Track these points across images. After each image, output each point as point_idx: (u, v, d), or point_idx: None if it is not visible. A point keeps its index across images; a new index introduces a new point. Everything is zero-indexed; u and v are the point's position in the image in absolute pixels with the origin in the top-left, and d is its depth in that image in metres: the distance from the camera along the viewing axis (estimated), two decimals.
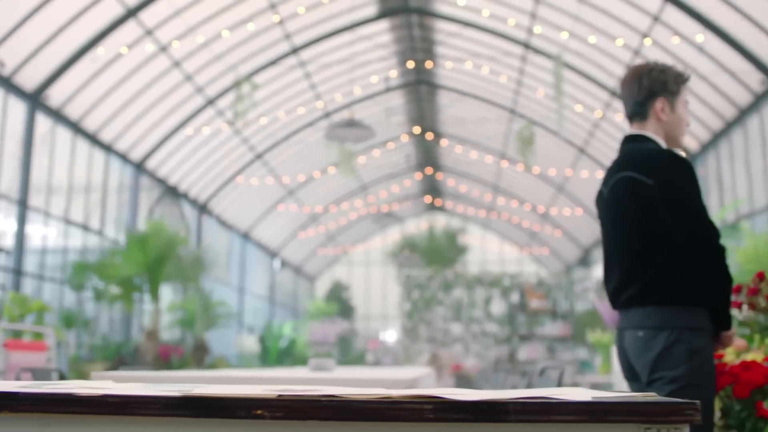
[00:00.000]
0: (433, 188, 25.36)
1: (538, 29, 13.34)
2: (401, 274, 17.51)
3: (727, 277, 2.73)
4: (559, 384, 3.62)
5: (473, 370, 15.08)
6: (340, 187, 21.83)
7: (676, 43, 11.51)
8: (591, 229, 21.25)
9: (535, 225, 24.10)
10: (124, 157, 13.65)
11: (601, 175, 13.69)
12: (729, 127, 12.34)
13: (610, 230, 2.97)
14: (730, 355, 3.42)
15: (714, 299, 2.75)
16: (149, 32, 11.58)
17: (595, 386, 7.91)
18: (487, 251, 27.07)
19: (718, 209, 12.33)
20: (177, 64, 12.63)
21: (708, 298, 2.73)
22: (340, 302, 26.68)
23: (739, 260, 4.69)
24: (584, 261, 22.68)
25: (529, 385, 4.65)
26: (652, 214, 2.75)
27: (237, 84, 12.14)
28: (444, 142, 20.41)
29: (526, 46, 14.08)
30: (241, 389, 1.72)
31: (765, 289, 3.52)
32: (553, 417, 1.43)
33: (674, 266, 2.72)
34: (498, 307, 16.99)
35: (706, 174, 13.59)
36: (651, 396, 1.51)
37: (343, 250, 28.15)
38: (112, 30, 11.05)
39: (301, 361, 19.29)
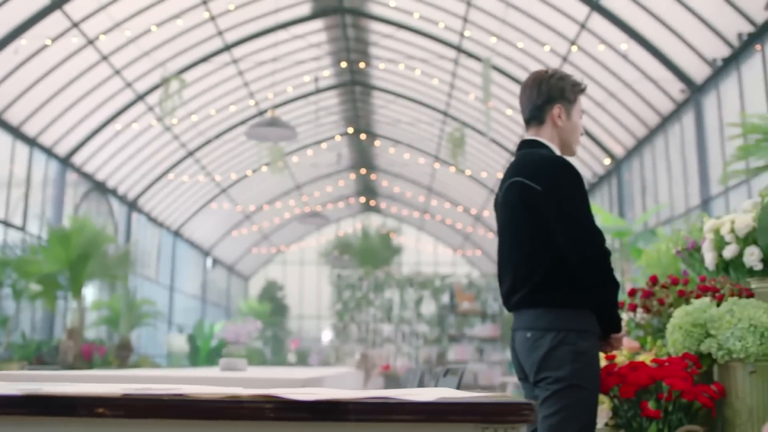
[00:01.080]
0: (367, 189, 25.40)
1: (469, 33, 13.46)
2: (333, 274, 17.50)
3: (611, 281, 2.81)
4: (458, 386, 3.66)
5: (402, 370, 15.15)
6: (274, 186, 21.71)
7: (601, 51, 11.73)
8: None
9: (469, 227, 24.32)
10: (49, 152, 13.34)
11: None
12: (652, 133, 12.63)
13: (503, 234, 3.02)
14: (622, 357, 3.51)
15: (600, 303, 2.82)
16: (75, 25, 11.35)
17: (520, 387, 8.02)
18: (422, 252, 27.22)
19: (642, 214, 12.62)
20: (105, 58, 12.41)
21: (594, 302, 2.80)
22: (273, 302, 26.54)
23: (643, 264, 4.81)
24: None
25: (435, 386, 4.69)
26: (541, 219, 2.82)
27: (165, 81, 11.96)
28: (378, 143, 20.47)
29: (459, 49, 14.20)
30: (91, 388, 1.70)
31: (658, 293, 3.62)
32: (392, 417, 1.45)
33: (562, 270, 2.78)
34: (428, 308, 17.10)
35: (630, 179, 13.89)
36: (492, 396, 1.54)
37: (277, 250, 28.01)
38: (36, 21, 10.79)
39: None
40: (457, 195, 22.40)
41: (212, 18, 12.99)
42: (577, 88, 3.05)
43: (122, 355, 11.72)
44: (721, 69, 10.11)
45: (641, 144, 13.10)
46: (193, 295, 22.83)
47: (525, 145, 3.06)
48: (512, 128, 16.10)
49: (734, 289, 3.48)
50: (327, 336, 23.46)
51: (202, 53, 13.82)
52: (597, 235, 2.79)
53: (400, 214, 26.03)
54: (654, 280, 3.64)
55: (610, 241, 11.68)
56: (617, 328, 2.93)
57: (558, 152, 3.01)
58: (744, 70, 9.64)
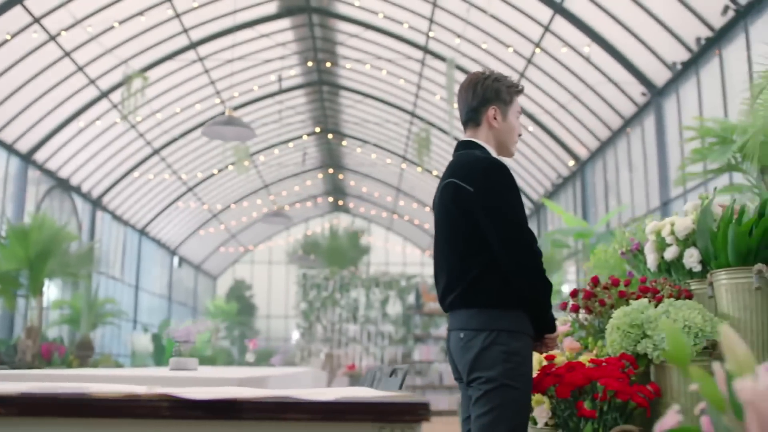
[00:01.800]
0: (336, 188, 25.38)
1: (434, 33, 13.50)
2: (299, 274, 17.46)
3: (543, 282, 2.83)
4: (401, 386, 3.67)
5: (367, 370, 15.14)
6: (242, 185, 21.63)
7: (564, 53, 11.82)
8: None
9: None
10: (10, 148, 13.18)
11: None
12: (615, 136, 12.74)
13: (439, 234, 3.03)
14: (563, 357, 3.53)
15: (532, 303, 2.84)
16: (37, 20, 11.23)
17: None
18: (391, 252, 27.25)
19: (605, 216, 12.72)
20: (68, 54, 12.28)
21: (526, 302, 2.82)
22: (241, 301, 26.45)
23: (590, 266, 4.85)
24: None
25: (377, 386, 4.69)
26: (473, 220, 2.83)
27: (127, 79, 11.86)
28: (345, 143, 20.46)
29: (425, 50, 14.24)
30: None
31: (599, 294, 3.65)
32: (288, 416, 1.45)
33: (494, 271, 2.80)
34: (394, 308, 17.10)
35: (594, 181, 14.00)
36: (389, 396, 1.55)
37: (245, 249, 27.91)
38: None
39: (199, 360, 19.03)
40: (425, 195, 22.45)
41: (177, 15, 12.92)
42: (513, 90, 3.07)
43: (82, 355, 11.61)
44: (681, 73, 10.24)
45: (604, 146, 13.22)
46: (159, 295, 22.67)
47: (461, 146, 3.08)
48: None
49: (673, 291, 3.52)
50: (295, 336, 23.44)
51: (167, 51, 13.73)
52: (528, 236, 2.81)
53: (369, 213, 26.04)
54: (595, 281, 3.67)
55: (572, 243, 11.78)
56: (550, 329, 2.95)
57: (494, 153, 3.03)
58: (702, 74, 9.76)
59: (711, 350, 3.22)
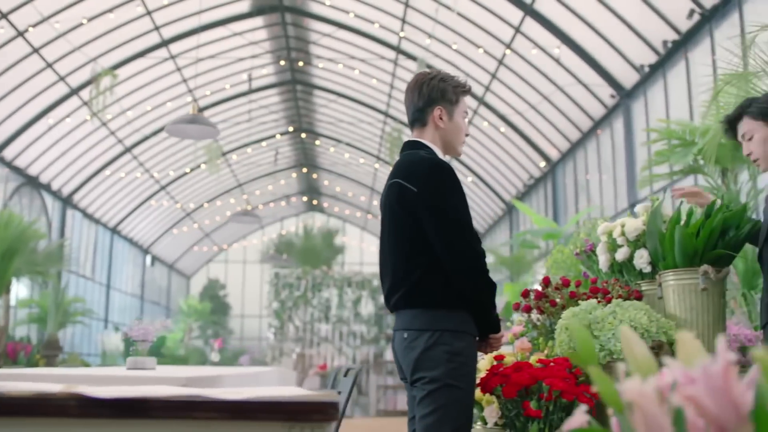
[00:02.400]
0: (310, 188, 25.34)
1: (405, 33, 13.52)
2: (272, 273, 17.42)
3: (486, 282, 2.83)
4: (353, 386, 3.68)
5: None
6: (215, 184, 21.53)
7: (535, 54, 11.88)
8: None
9: None
10: None
11: (470, 180, 13.98)
12: (585, 137, 12.82)
13: (384, 234, 3.03)
14: (512, 357, 3.55)
15: (475, 304, 2.84)
16: (4, 15, 11.12)
17: None
18: (366, 252, 27.24)
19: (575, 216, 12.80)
20: (36, 50, 12.17)
21: (469, 303, 2.82)
22: (215, 301, 26.36)
23: (548, 266, 4.88)
24: None
25: (333, 386, 4.70)
26: (417, 220, 2.82)
27: (96, 76, 11.77)
28: (318, 142, 20.43)
29: (398, 50, 14.26)
30: None
31: (551, 294, 3.67)
32: (196, 414, 1.45)
33: (437, 271, 2.80)
34: (366, 308, 17.11)
35: (565, 182, 14.08)
36: (300, 396, 1.55)
37: (219, 248, 27.80)
38: None
39: (171, 359, 18.94)
40: None
41: (148, 13, 12.84)
42: (460, 89, 3.05)
43: (49, 354, 11.51)
44: (649, 75, 10.32)
45: (575, 147, 13.30)
46: (131, 294, 22.53)
47: (407, 146, 3.07)
48: None
49: (623, 291, 3.55)
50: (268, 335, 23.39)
51: (137, 48, 13.64)
52: (471, 236, 2.81)
53: (344, 213, 26.02)
54: (546, 282, 3.69)
55: (541, 243, 11.84)
56: (495, 329, 2.96)
57: (440, 153, 3.02)
58: (669, 77, 9.85)
59: (657, 351, 3.24)
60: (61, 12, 11.52)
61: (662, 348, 3.29)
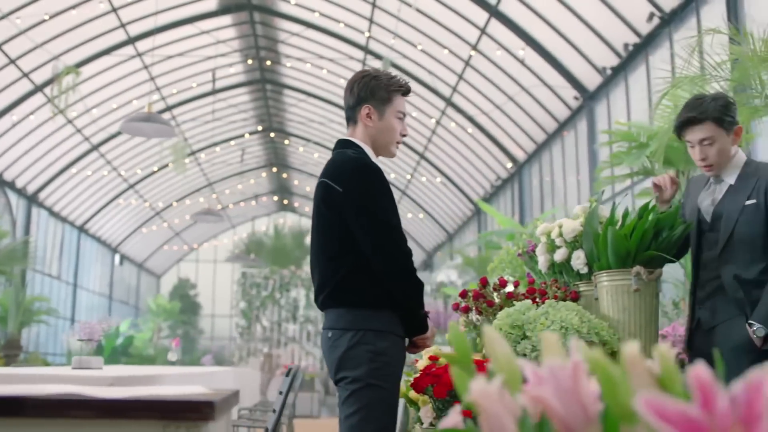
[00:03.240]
0: (281, 187, 25.27)
1: (372, 34, 13.52)
2: (240, 273, 17.37)
3: (413, 283, 2.82)
4: (290, 385, 3.68)
5: (306, 370, 15.11)
6: (185, 183, 21.40)
7: (499, 55, 11.93)
8: (433, 234, 21.73)
9: None
10: None
11: (438, 180, 13.93)
12: (550, 139, 12.90)
13: (313, 233, 3.02)
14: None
15: (401, 304, 2.83)
16: None
17: None
18: None
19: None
20: None
21: (395, 303, 2.81)
22: (185, 300, 26.22)
23: (493, 266, 4.91)
24: (427, 265, 23.16)
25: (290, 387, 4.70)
26: (343, 220, 2.81)
27: (58, 74, 11.66)
28: (287, 141, 20.38)
29: (365, 50, 14.26)
30: None
31: (488, 294, 3.69)
32: (72, 413, 1.44)
33: (363, 271, 2.79)
34: None
35: (531, 183, 14.16)
36: (177, 395, 1.55)
37: (189, 248, 27.66)
38: None
39: (139, 359, 18.82)
40: None
41: (114, 10, 12.74)
42: (393, 88, 3.01)
43: (10, 354, 11.39)
44: (611, 77, 10.39)
45: (540, 149, 13.37)
46: (99, 293, 22.36)
47: (338, 145, 3.06)
48: (421, 131, 16.24)
49: (559, 292, 3.57)
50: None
51: (103, 46, 13.53)
52: (397, 236, 2.80)
53: None
54: (484, 282, 3.71)
55: (504, 244, 11.87)
56: (421, 329, 2.95)
57: (371, 153, 3.00)
58: (630, 79, 9.93)
59: None
60: (22, 8, 11.39)
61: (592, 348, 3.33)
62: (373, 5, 12.79)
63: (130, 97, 15.40)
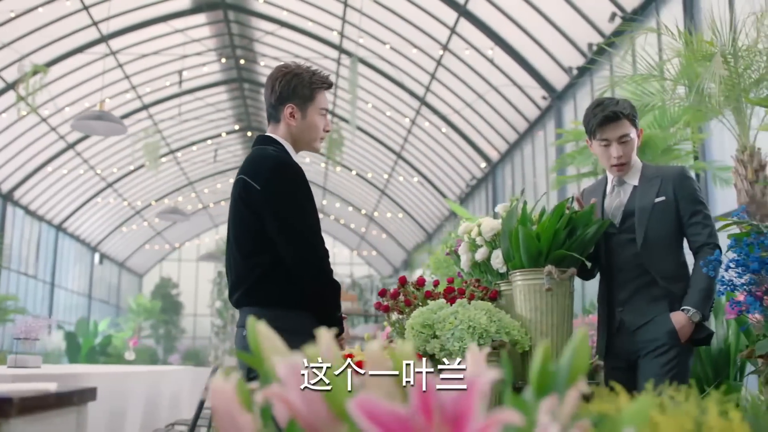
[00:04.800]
0: None
1: (345, 33, 13.52)
2: (216, 272, 17.33)
3: (328, 282, 2.81)
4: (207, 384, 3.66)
5: None
6: (165, 182, 21.33)
7: (468, 54, 11.92)
8: (413, 233, 21.72)
9: (363, 227, 24.41)
10: None
11: (416, 180, 13.84)
12: (521, 138, 12.90)
13: (229, 230, 3.00)
14: (360, 356, 3.54)
15: (316, 304, 2.81)
16: None
17: None
18: None
19: None
20: None
21: (311, 303, 2.79)
22: (166, 299, 26.13)
23: (431, 266, 4.90)
24: (409, 264, 23.16)
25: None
26: (260, 218, 2.78)
27: (25, 75, 11.59)
28: None
29: (340, 49, 14.24)
30: None
31: (408, 293, 3.67)
32: None
33: (279, 270, 2.76)
34: None
35: (504, 183, 14.16)
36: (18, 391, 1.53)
37: (171, 247, 27.58)
38: None
39: (117, 359, 18.75)
40: (350, 195, 22.45)
41: (85, 8, 12.68)
42: (315, 85, 2.98)
43: None
44: (577, 77, 10.40)
45: (512, 148, 13.37)
46: (78, 292, 22.27)
47: (258, 141, 3.04)
48: (398, 130, 16.24)
49: (477, 291, 3.56)
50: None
51: (75, 44, 13.46)
52: (316, 238, 2.78)
53: None
54: (402, 281, 3.69)
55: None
56: (337, 330, 2.94)
57: (291, 150, 2.96)
58: (595, 79, 9.94)
59: (497, 351, 3.26)
60: None
61: (504, 348, 3.30)
62: (345, 4, 12.77)
63: (104, 96, 15.30)
